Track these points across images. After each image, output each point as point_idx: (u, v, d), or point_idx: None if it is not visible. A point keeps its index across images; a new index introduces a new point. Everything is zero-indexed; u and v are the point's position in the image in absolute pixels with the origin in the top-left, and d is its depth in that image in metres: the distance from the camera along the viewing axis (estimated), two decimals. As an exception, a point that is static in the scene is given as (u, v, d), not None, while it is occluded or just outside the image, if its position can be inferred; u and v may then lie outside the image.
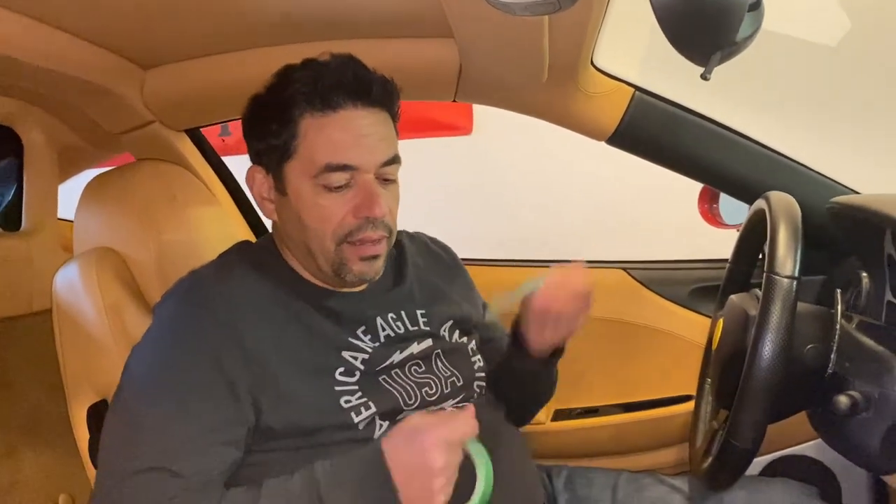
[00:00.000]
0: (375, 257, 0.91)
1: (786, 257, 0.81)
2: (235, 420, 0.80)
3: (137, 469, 0.75)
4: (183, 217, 1.11)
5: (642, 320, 1.46)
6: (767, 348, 0.78)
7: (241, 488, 0.78)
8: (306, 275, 0.94)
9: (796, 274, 0.80)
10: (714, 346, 0.98)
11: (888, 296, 1.05)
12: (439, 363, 0.98)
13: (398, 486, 0.72)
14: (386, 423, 0.88)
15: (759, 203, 0.97)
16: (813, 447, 1.40)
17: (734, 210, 1.54)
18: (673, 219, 2.21)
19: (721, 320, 0.98)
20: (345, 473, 0.75)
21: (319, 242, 0.89)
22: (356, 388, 0.87)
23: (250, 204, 1.49)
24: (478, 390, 1.00)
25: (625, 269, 1.49)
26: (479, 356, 1.03)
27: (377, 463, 0.73)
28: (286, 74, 0.90)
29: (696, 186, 1.53)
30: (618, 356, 1.46)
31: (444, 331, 1.01)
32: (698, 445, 1.06)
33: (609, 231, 2.78)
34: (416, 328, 0.98)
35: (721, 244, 1.48)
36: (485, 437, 0.96)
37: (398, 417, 0.90)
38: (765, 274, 0.82)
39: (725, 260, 1.34)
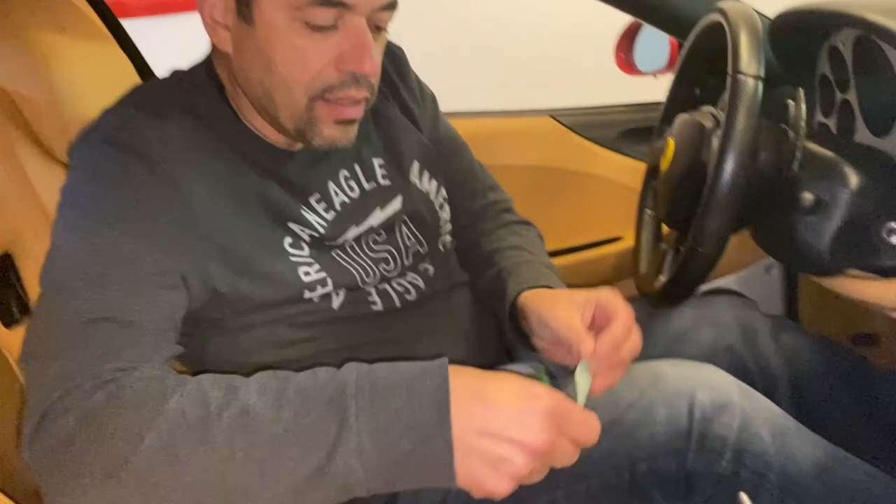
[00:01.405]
0: (352, 122, 0.76)
1: (750, 57, 0.79)
2: (179, 269, 0.68)
3: (81, 321, 0.61)
4: (75, 50, 0.96)
5: (571, 165, 1.45)
6: (735, 150, 0.77)
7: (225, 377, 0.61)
8: (257, 124, 0.78)
9: (762, 74, 0.78)
10: (664, 167, 0.97)
11: (818, 117, 1.07)
12: (404, 230, 0.88)
13: (456, 438, 0.53)
14: (342, 291, 0.80)
15: (711, 16, 0.94)
16: (732, 280, 1.47)
17: (648, 58, 1.54)
18: (596, 64, 2.19)
19: (671, 140, 0.96)
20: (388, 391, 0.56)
21: (288, 94, 0.72)
22: (311, 259, 0.78)
23: (136, 48, 1.31)
24: (441, 249, 0.92)
25: (552, 116, 1.46)
26: (446, 204, 0.94)
27: (438, 386, 0.55)
28: None
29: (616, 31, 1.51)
30: (547, 202, 1.45)
31: (414, 176, 0.90)
32: (644, 271, 1.07)
33: (534, 77, 2.74)
34: (372, 185, 0.86)
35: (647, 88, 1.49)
36: (441, 287, 0.90)
37: (355, 289, 0.82)
38: (729, 75, 0.80)
39: (653, 103, 1.33)
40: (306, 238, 0.78)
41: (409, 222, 0.88)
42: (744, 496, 0.64)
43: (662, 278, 0.96)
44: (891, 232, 0.80)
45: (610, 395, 0.80)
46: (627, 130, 1.45)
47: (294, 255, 0.77)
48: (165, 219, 0.68)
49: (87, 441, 0.54)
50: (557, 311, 0.77)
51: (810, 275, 0.90)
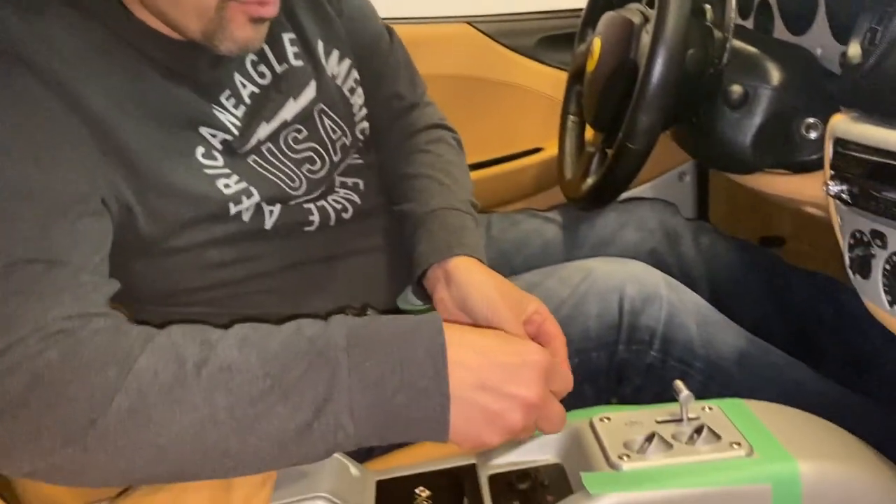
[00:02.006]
0: (266, 20, 0.67)
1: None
2: (98, 192, 0.61)
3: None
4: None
5: (489, 74, 1.42)
6: (668, 43, 0.76)
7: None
8: (153, 22, 0.67)
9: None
10: (590, 67, 0.96)
11: (736, 19, 1.07)
12: (326, 122, 0.80)
13: (453, 392, 0.52)
14: (277, 208, 0.74)
15: None
16: (646, 189, 1.50)
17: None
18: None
19: (597, 39, 0.95)
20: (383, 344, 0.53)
21: None
22: (228, 170, 0.70)
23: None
24: (361, 138, 0.86)
25: (469, 23, 1.41)
26: (358, 87, 0.85)
27: (433, 339, 0.53)
28: None
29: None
30: (466, 113, 1.41)
31: (322, 56, 0.81)
32: (570, 176, 1.07)
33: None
34: (284, 67, 0.77)
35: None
36: (376, 202, 0.85)
37: (290, 203, 0.76)
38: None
39: (572, 10, 1.30)
40: (218, 145, 0.70)
41: (328, 111, 0.81)
42: (679, 383, 0.65)
43: (590, 181, 0.96)
44: (809, 127, 0.82)
45: (542, 293, 0.80)
46: (546, 38, 1.43)
47: (209, 168, 0.69)
48: (69, 139, 0.60)
49: (44, 404, 0.49)
50: (500, 306, 0.70)
51: (731, 173, 0.92)
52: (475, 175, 1.42)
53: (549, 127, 1.40)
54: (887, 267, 0.63)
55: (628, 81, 0.84)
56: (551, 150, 1.39)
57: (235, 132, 0.72)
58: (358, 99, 0.85)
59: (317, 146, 0.79)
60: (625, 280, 0.81)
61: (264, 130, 0.74)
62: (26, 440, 0.50)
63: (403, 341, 0.52)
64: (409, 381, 0.51)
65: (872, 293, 0.66)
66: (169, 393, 0.50)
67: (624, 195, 1.44)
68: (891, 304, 0.64)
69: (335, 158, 0.81)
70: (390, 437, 0.53)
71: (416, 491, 0.68)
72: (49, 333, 0.51)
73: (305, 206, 0.78)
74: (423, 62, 1.37)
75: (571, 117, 1.13)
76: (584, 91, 1.00)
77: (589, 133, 1.11)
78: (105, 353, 0.51)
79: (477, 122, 1.43)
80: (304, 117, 0.78)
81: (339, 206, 0.81)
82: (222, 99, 0.72)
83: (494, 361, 0.54)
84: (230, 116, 0.72)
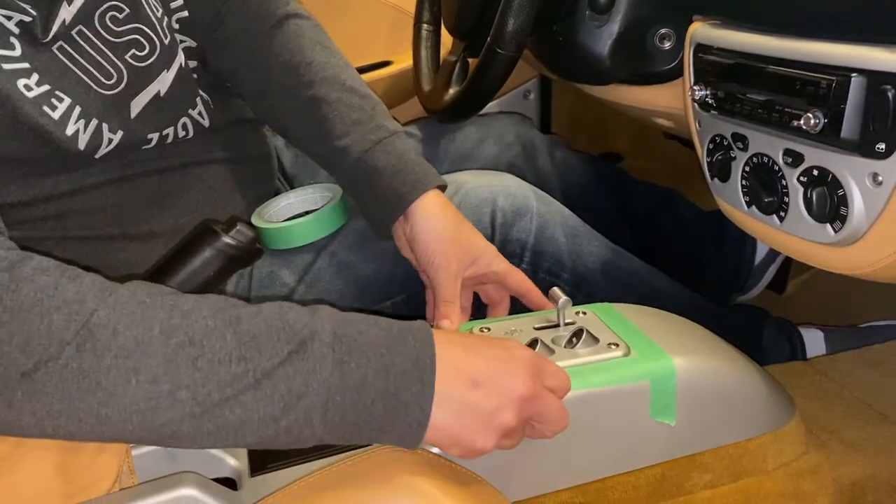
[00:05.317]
0: None
1: None
2: None
3: None
4: None
5: (332, -18, 1.33)
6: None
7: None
8: None
9: None
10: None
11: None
12: None
13: (444, 393, 0.47)
14: (118, 135, 0.65)
15: None
16: (492, 107, 1.49)
17: None
18: None
19: (456, -59, 0.90)
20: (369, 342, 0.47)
21: None
22: (27, 64, 0.60)
23: None
24: (176, 27, 0.74)
25: (308, -76, 1.30)
26: None
27: (416, 338, 0.48)
28: None
29: None
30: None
31: None
32: (429, 89, 1.03)
33: None
34: None
35: None
36: (220, 124, 0.78)
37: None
38: None
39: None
40: (14, 29, 0.59)
41: None
42: (556, 290, 0.65)
43: (452, 91, 0.93)
44: (662, 38, 0.84)
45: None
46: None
47: (7, 61, 0.59)
48: None
49: None
50: (439, 261, 0.70)
51: (588, 84, 0.92)
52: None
53: (396, 39, 1.35)
54: (747, 168, 0.66)
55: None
56: (400, 64, 1.34)
57: (33, 12, 0.60)
58: None
59: (142, 26, 0.68)
60: (496, 193, 0.80)
61: (67, 11, 0.63)
62: None
63: (392, 345, 0.47)
64: (393, 391, 0.46)
65: (730, 195, 0.69)
66: (128, 358, 0.42)
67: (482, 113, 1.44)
68: (748, 204, 0.67)
69: (164, 40, 0.71)
70: (354, 441, 0.48)
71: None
72: None
73: (150, 135, 0.70)
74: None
75: (426, 26, 1.08)
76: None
77: (445, 43, 1.07)
78: (51, 296, 0.43)
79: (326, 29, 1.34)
80: None
81: (182, 133, 0.74)
82: None
83: (482, 356, 0.50)
84: None
